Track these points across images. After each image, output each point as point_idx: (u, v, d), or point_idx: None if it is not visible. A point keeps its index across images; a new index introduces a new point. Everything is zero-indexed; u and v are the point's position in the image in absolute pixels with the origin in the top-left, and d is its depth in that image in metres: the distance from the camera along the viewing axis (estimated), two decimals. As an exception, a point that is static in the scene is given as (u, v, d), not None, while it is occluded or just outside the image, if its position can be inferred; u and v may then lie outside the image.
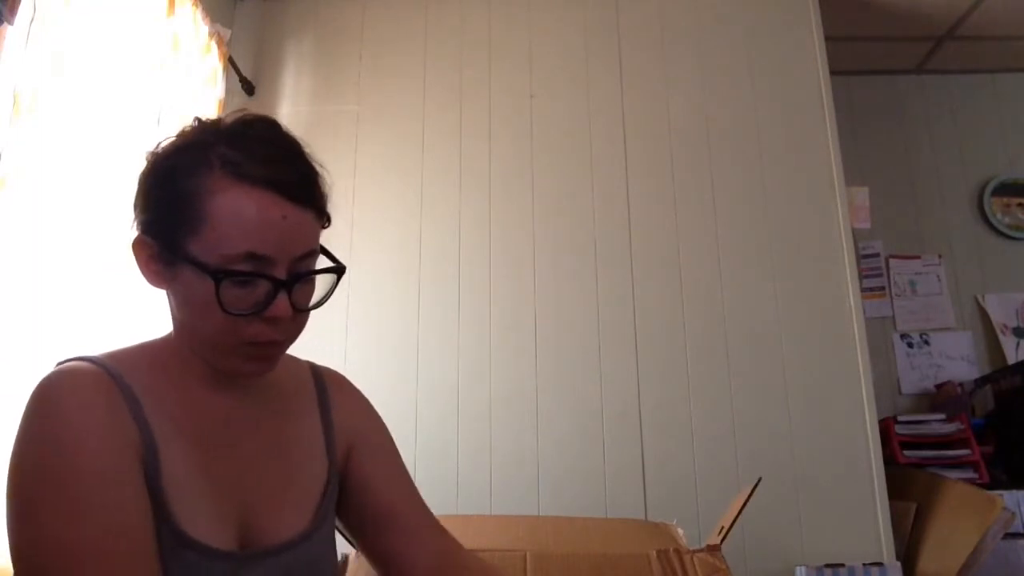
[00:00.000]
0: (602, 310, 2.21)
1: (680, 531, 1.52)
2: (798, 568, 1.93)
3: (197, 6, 1.99)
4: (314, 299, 0.83)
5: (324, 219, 0.83)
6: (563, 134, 2.37)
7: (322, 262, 0.83)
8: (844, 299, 2.19)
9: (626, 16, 2.47)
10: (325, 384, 0.99)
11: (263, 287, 0.76)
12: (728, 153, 2.34)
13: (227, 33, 2.17)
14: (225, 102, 2.19)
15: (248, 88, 2.42)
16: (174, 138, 0.81)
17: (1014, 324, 2.93)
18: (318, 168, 0.84)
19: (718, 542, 1.42)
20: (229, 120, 0.82)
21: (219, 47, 2.13)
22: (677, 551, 1.40)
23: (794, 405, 2.11)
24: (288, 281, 0.77)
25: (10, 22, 1.26)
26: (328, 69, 2.48)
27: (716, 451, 2.08)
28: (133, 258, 0.83)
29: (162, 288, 0.82)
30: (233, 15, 2.50)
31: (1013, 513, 1.90)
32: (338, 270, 0.84)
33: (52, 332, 1.39)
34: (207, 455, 0.81)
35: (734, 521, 1.44)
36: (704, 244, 2.26)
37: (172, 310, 0.84)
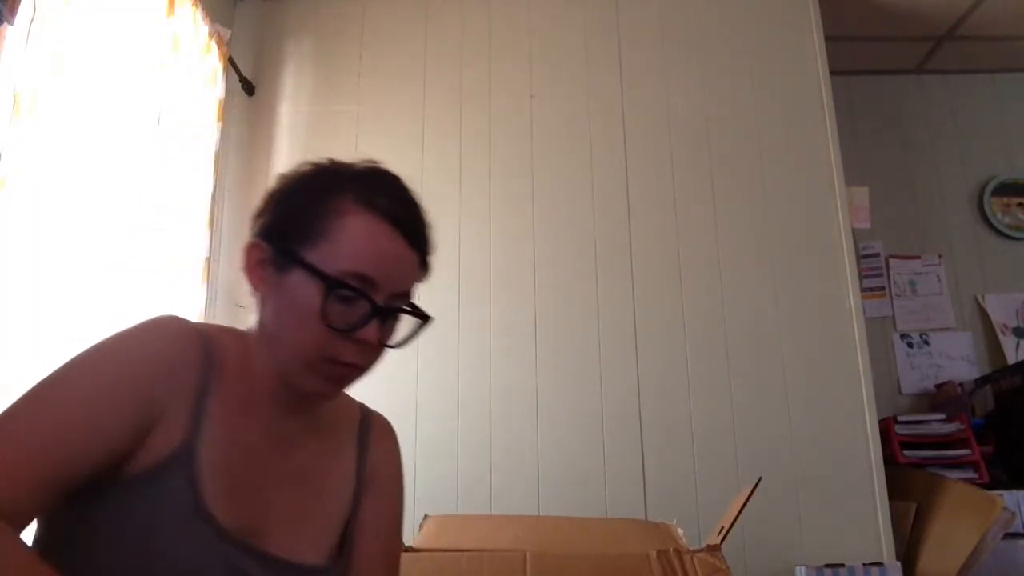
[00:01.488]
0: (602, 310, 2.21)
1: (680, 531, 1.52)
2: (798, 568, 1.93)
3: (197, 6, 2.00)
4: (396, 339, 0.87)
5: (425, 270, 0.88)
6: (563, 134, 2.37)
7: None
8: (844, 299, 2.19)
9: (626, 16, 2.47)
10: (370, 427, 1.00)
11: (362, 309, 0.80)
12: (728, 153, 2.34)
13: (227, 33, 2.18)
14: (225, 102, 2.19)
15: (248, 88, 2.42)
16: (308, 164, 0.89)
17: (1014, 324, 2.93)
18: (430, 225, 0.90)
19: (718, 542, 1.42)
20: (360, 163, 0.89)
21: (219, 47, 2.13)
22: (677, 551, 1.40)
23: (794, 405, 2.11)
24: (385, 309, 0.82)
25: (10, 22, 1.26)
26: (328, 69, 2.48)
27: (716, 451, 2.08)
28: (243, 258, 0.86)
29: (261, 291, 0.85)
30: (233, 15, 2.50)
31: (1013, 513, 1.90)
32: (425, 318, 0.88)
33: (52, 332, 1.39)
34: (245, 457, 0.83)
35: (734, 521, 1.44)
36: (704, 244, 2.26)
37: (262, 317, 0.86)
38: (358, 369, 0.84)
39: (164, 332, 0.81)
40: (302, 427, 0.90)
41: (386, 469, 0.99)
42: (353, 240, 0.80)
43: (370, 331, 0.81)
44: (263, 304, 0.85)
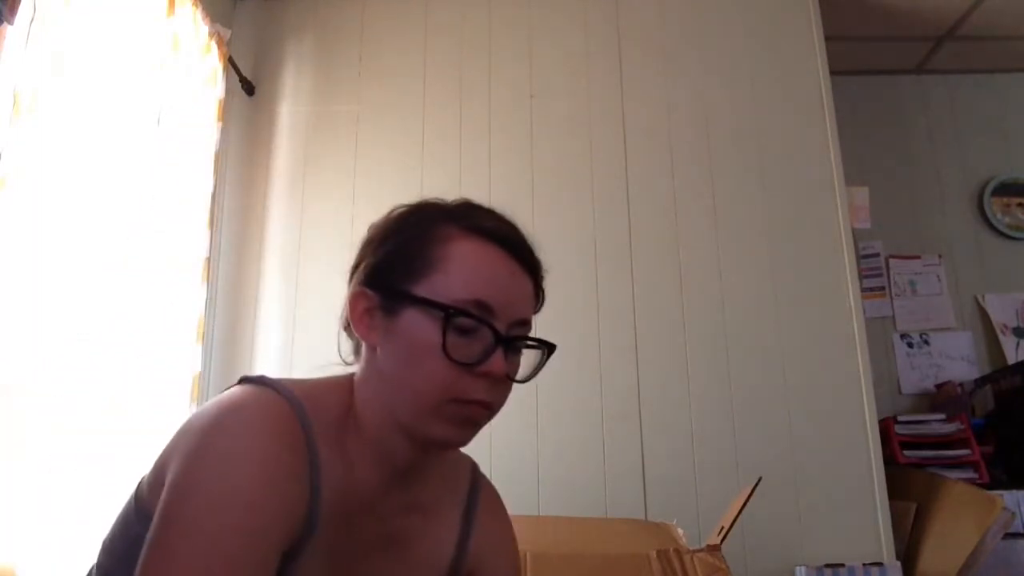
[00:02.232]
0: (602, 310, 2.21)
1: (680, 531, 1.52)
2: (798, 568, 1.93)
3: (197, 6, 1.99)
4: (524, 373, 0.81)
5: (540, 299, 0.83)
6: (563, 134, 2.37)
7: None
8: (844, 299, 2.19)
9: (626, 16, 2.47)
10: (479, 498, 0.93)
11: (484, 339, 0.75)
12: (728, 153, 2.34)
13: (227, 33, 2.17)
14: (225, 102, 2.19)
15: (248, 88, 2.42)
16: (400, 206, 0.84)
17: (1014, 324, 2.93)
18: (538, 249, 0.85)
19: (718, 542, 1.42)
20: (453, 200, 0.85)
21: (219, 47, 2.13)
22: (677, 551, 1.40)
23: (794, 405, 2.11)
24: (508, 338, 0.76)
25: (10, 22, 1.26)
26: (328, 69, 2.48)
27: (716, 451, 2.08)
28: (347, 311, 0.82)
29: (371, 342, 0.80)
30: (233, 15, 2.50)
31: (1013, 513, 1.90)
32: (551, 346, 0.82)
33: (52, 332, 1.39)
34: (345, 532, 0.78)
35: (734, 521, 1.44)
36: (704, 244, 2.26)
37: (374, 369, 0.80)
38: (486, 408, 0.77)
39: (267, 436, 0.71)
40: (402, 488, 0.83)
41: (497, 558, 0.92)
42: (465, 266, 0.76)
43: (496, 362, 0.75)
44: (375, 356, 0.79)
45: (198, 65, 2.02)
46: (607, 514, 2.01)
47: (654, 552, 1.39)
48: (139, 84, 1.73)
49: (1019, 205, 3.08)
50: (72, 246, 1.47)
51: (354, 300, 0.81)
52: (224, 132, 2.18)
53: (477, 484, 0.94)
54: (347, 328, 0.85)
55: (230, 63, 2.25)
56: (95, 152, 1.55)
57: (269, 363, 2.15)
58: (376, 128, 2.40)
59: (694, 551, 1.41)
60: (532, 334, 0.82)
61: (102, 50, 1.58)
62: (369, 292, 0.79)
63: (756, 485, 1.48)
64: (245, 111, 2.43)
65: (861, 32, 2.92)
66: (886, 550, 1.97)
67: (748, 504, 1.45)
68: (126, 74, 1.68)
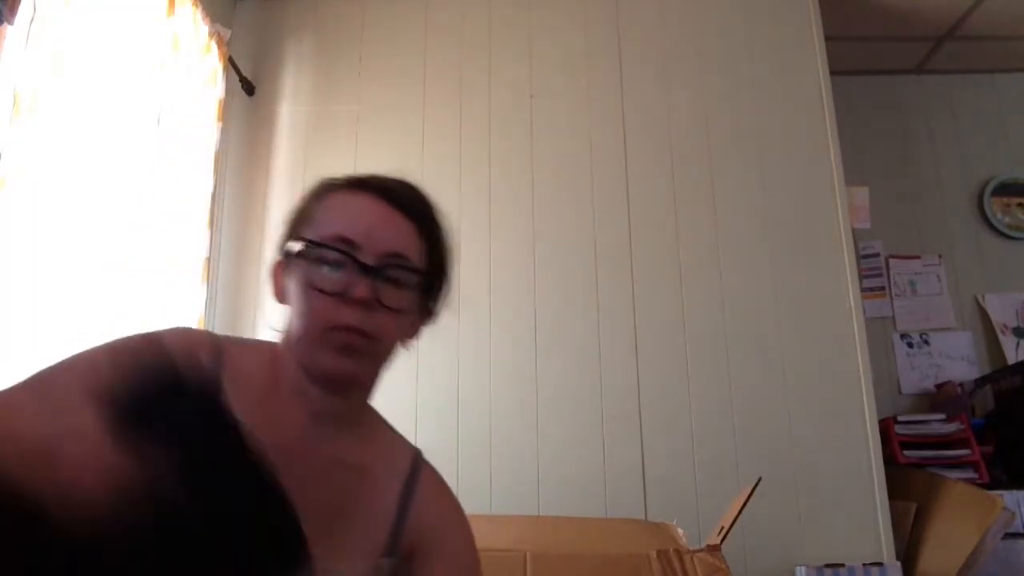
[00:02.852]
0: (602, 310, 2.21)
1: (680, 531, 1.52)
2: (798, 568, 1.93)
3: (197, 6, 1.99)
4: (399, 302, 0.83)
5: (426, 241, 0.87)
6: (563, 134, 2.37)
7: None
8: (844, 299, 2.19)
9: (626, 16, 2.47)
10: (420, 475, 0.94)
11: (350, 270, 0.81)
12: (728, 153, 2.34)
13: (227, 33, 2.17)
14: (225, 102, 2.19)
15: (248, 88, 2.42)
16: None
17: (1014, 324, 2.93)
18: (438, 213, 0.91)
19: (718, 542, 1.42)
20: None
21: (219, 47, 2.13)
22: (677, 551, 1.40)
23: (794, 405, 2.11)
24: (372, 268, 0.81)
25: (10, 22, 1.26)
26: (328, 69, 2.48)
27: (716, 451, 2.08)
28: (271, 282, 0.90)
29: (281, 301, 0.88)
30: (233, 15, 2.50)
31: (1013, 513, 1.90)
32: (421, 271, 0.86)
33: (52, 331, 1.39)
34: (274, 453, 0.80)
35: (734, 521, 1.44)
36: (704, 244, 2.26)
37: (285, 325, 0.88)
38: (362, 335, 0.81)
39: (174, 337, 0.82)
40: (338, 441, 0.86)
41: (445, 531, 0.92)
42: (334, 211, 0.84)
43: (359, 288, 0.80)
44: (286, 313, 0.87)
45: (198, 65, 2.02)
46: (607, 514, 2.01)
47: (654, 552, 1.39)
48: (139, 84, 1.73)
49: (1019, 205, 3.08)
50: (72, 246, 1.47)
51: (273, 272, 0.90)
52: (224, 132, 2.18)
53: (419, 463, 0.96)
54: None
55: (230, 63, 2.25)
56: (95, 152, 1.56)
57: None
58: (376, 128, 2.40)
59: (694, 551, 1.41)
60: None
61: (102, 50, 1.58)
62: (278, 260, 0.89)
63: (756, 485, 1.48)
64: (245, 111, 2.43)
65: (861, 32, 2.92)
66: (886, 550, 1.97)
67: (748, 504, 1.45)
68: (126, 74, 1.68)
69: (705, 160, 2.33)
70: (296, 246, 0.84)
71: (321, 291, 0.80)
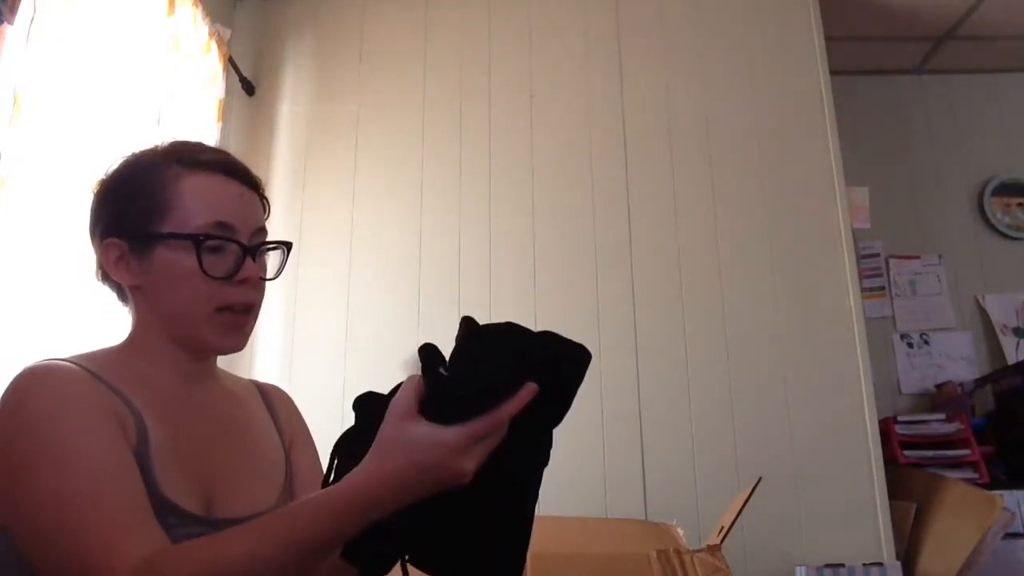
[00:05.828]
0: (602, 310, 2.21)
1: (680, 531, 1.52)
2: (798, 568, 1.93)
3: (197, 6, 1.99)
4: (271, 272, 0.96)
5: (266, 205, 0.96)
6: (563, 133, 2.37)
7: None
8: (844, 299, 2.19)
9: (626, 16, 2.47)
10: (267, 391, 1.07)
11: (233, 253, 0.88)
12: (728, 153, 2.33)
13: (227, 33, 2.17)
14: (225, 102, 2.19)
15: (248, 88, 2.42)
16: (115, 162, 0.93)
17: (1014, 324, 2.93)
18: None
19: (718, 542, 1.42)
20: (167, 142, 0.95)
21: (219, 47, 2.13)
22: (677, 551, 1.40)
23: (794, 405, 2.11)
24: (252, 247, 0.90)
25: (10, 22, 1.26)
26: (328, 69, 2.47)
27: (716, 451, 2.08)
28: (99, 266, 0.91)
29: (133, 283, 0.89)
30: (233, 15, 2.50)
31: (1013, 513, 1.90)
32: (288, 244, 0.97)
33: (52, 331, 1.39)
34: (176, 431, 0.86)
35: (734, 521, 1.44)
36: (704, 244, 2.26)
37: (139, 306, 0.91)
38: (251, 309, 0.91)
39: (61, 376, 0.81)
40: (213, 393, 0.96)
41: (299, 424, 1.07)
42: (199, 197, 0.87)
43: (249, 269, 0.88)
44: (143, 294, 0.89)
45: (198, 65, 2.02)
46: (607, 514, 2.01)
47: (654, 552, 1.39)
48: (139, 84, 1.73)
49: (1019, 205, 3.08)
50: (72, 246, 1.47)
51: (106, 251, 0.89)
52: (224, 132, 2.18)
53: (260, 384, 1.09)
54: (104, 279, 0.93)
55: (230, 63, 2.25)
56: (95, 152, 1.55)
57: (269, 363, 2.15)
58: (376, 128, 2.40)
59: (694, 551, 1.41)
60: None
61: (102, 50, 1.58)
62: (118, 241, 0.89)
63: (756, 485, 1.48)
64: (245, 111, 2.43)
65: (861, 32, 2.92)
66: (886, 550, 1.97)
67: (748, 504, 1.45)
68: (126, 74, 1.68)
69: (705, 160, 2.33)
70: (162, 233, 0.86)
71: (207, 275, 0.85)
